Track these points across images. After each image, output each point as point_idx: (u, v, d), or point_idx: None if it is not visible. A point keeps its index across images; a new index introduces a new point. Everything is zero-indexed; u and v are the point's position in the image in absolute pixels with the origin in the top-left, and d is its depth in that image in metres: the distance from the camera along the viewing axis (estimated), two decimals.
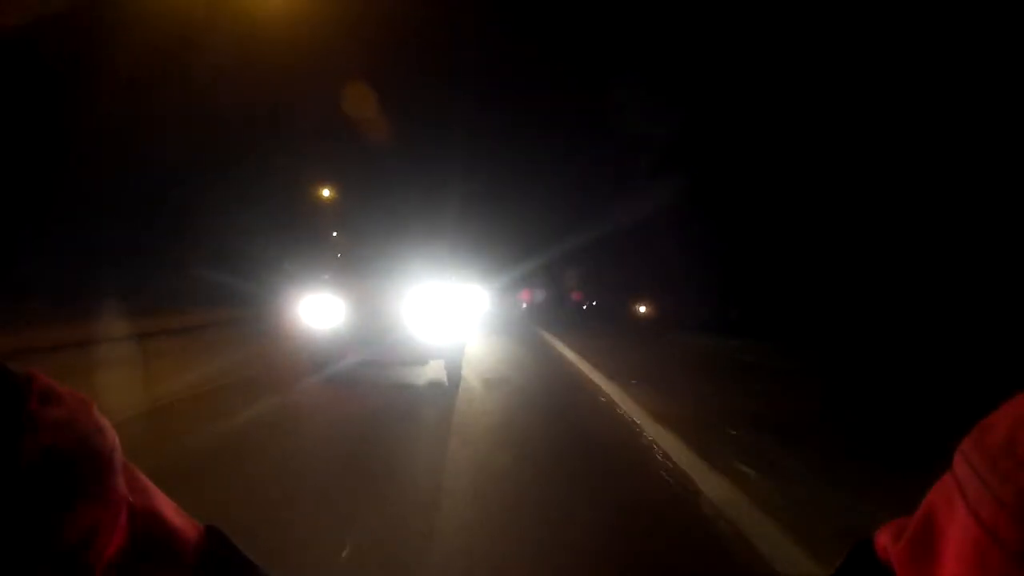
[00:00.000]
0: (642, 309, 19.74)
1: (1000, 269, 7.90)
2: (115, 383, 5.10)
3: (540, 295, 21.10)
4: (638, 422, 4.79)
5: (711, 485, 3.17)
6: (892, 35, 9.63)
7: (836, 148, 11.51)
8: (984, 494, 0.32)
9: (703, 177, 13.86)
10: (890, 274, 10.41)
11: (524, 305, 20.49)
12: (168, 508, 0.45)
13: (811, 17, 11.01)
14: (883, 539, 0.42)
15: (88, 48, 11.01)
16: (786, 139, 12.33)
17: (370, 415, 4.77)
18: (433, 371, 6.44)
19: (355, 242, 7.74)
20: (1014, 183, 7.96)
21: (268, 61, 13.39)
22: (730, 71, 13.51)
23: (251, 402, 4.86)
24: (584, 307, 21.53)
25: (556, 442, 4.31)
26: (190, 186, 15.78)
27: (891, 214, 10.38)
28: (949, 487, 0.36)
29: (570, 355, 8.91)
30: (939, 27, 8.65)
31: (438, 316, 5.67)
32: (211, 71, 12.31)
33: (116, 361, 6.18)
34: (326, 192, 21.62)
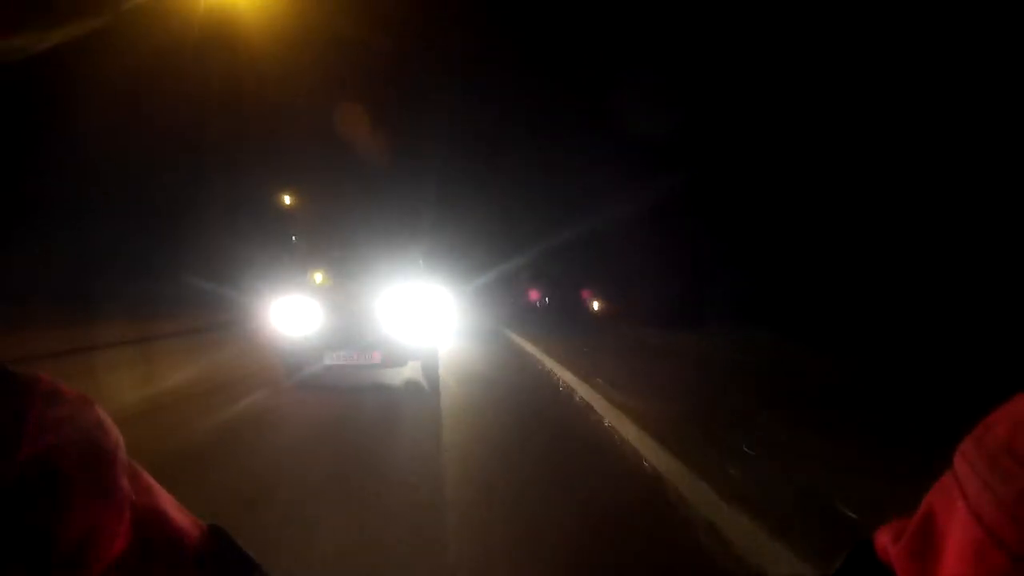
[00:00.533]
0: (597, 305, 20.03)
1: (1000, 267, 7.90)
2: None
3: (527, 295, 21.04)
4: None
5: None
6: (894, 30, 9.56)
7: (812, 140, 11.58)
8: (985, 494, 0.32)
9: (697, 176, 13.86)
10: (887, 269, 10.40)
11: (532, 302, 20.48)
12: (171, 506, 0.45)
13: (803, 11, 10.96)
14: (883, 539, 0.42)
15: (82, 63, 10.85)
16: (774, 136, 12.39)
17: (347, 421, 4.65)
18: (409, 373, 6.38)
19: (327, 243, 7.62)
20: (1013, 181, 7.94)
21: (248, 69, 13.24)
22: (722, 68, 13.50)
23: (219, 409, 4.73)
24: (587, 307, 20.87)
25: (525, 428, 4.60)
26: (173, 193, 15.50)
27: (887, 210, 10.37)
28: (949, 487, 0.36)
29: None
30: (942, 22, 8.64)
31: (413, 317, 5.59)
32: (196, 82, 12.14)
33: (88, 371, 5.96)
34: (296, 194, 21.26)
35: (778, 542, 2.24)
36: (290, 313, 5.48)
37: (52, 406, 0.36)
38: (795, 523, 2.35)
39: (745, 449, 3.41)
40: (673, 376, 6.40)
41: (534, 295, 21.25)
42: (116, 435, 0.41)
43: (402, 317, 5.57)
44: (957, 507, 0.34)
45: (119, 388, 5.40)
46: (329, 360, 5.35)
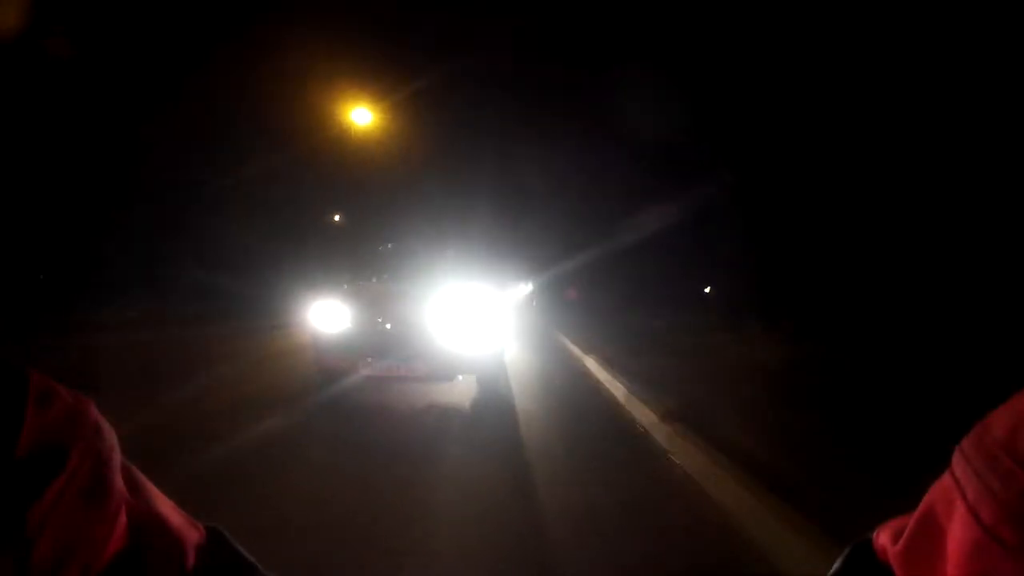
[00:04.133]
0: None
1: (1001, 265, 7.55)
2: None
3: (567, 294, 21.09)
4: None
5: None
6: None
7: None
8: (984, 494, 0.32)
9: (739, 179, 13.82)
10: (882, 264, 10.13)
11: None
12: (168, 508, 0.45)
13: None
14: (882, 539, 0.42)
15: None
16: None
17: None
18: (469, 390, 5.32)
19: (372, 240, 7.41)
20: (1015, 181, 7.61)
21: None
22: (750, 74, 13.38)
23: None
24: None
25: None
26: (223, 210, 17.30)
27: (872, 206, 10.15)
28: (948, 487, 0.35)
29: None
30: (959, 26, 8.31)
31: (466, 322, 4.84)
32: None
33: None
34: (348, 205, 22.39)
35: None
36: (326, 317, 4.95)
37: (48, 407, 0.36)
38: None
39: None
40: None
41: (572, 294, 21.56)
42: (112, 436, 0.41)
43: (452, 322, 4.80)
44: (956, 507, 0.34)
45: None
46: (365, 370, 4.66)
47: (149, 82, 12.84)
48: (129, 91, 12.67)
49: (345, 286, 5.43)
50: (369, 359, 4.65)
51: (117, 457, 0.41)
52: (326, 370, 4.99)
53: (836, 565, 0.45)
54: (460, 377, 5.03)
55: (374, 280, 5.74)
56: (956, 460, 0.35)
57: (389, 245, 6.69)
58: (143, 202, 14.52)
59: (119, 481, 0.40)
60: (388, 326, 4.84)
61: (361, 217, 21.43)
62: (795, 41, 11.55)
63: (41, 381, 0.37)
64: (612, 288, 20.07)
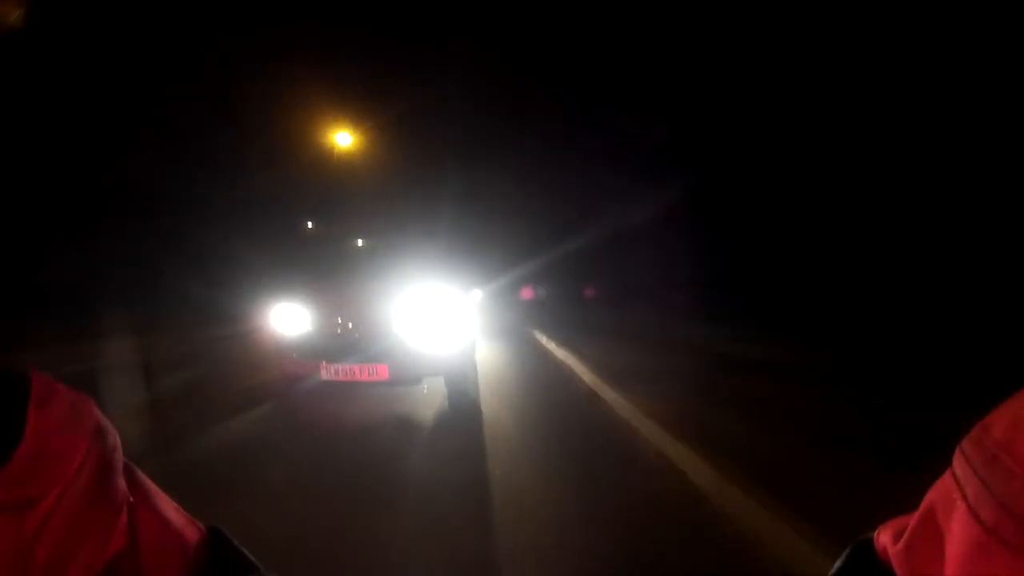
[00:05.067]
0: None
1: (1001, 263, 7.63)
2: None
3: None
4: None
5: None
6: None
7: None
8: (984, 494, 0.32)
9: (703, 179, 14.15)
10: (882, 267, 10.18)
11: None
12: (169, 508, 0.45)
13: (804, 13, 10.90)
14: (883, 539, 0.42)
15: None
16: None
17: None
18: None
19: (334, 237, 7.23)
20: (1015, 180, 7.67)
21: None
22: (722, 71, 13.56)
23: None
24: None
25: None
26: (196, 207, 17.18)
27: (886, 209, 10.17)
28: (949, 487, 0.35)
29: None
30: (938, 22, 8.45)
31: (433, 322, 4.64)
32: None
33: None
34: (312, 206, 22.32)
35: None
36: (287, 320, 4.76)
37: (49, 407, 0.36)
38: None
39: None
40: None
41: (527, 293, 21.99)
42: (114, 436, 0.40)
43: (418, 322, 4.60)
44: (957, 506, 0.34)
45: None
46: (326, 375, 4.42)
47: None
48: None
49: (307, 287, 5.17)
50: (330, 363, 4.43)
51: (119, 457, 0.40)
52: (287, 375, 4.79)
53: (837, 564, 0.45)
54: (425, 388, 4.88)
55: (337, 281, 5.49)
56: (956, 460, 0.35)
57: (359, 242, 6.53)
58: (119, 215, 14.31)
59: (121, 481, 0.40)
60: (351, 327, 4.63)
61: (332, 221, 21.30)
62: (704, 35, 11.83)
63: (43, 381, 0.37)
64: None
